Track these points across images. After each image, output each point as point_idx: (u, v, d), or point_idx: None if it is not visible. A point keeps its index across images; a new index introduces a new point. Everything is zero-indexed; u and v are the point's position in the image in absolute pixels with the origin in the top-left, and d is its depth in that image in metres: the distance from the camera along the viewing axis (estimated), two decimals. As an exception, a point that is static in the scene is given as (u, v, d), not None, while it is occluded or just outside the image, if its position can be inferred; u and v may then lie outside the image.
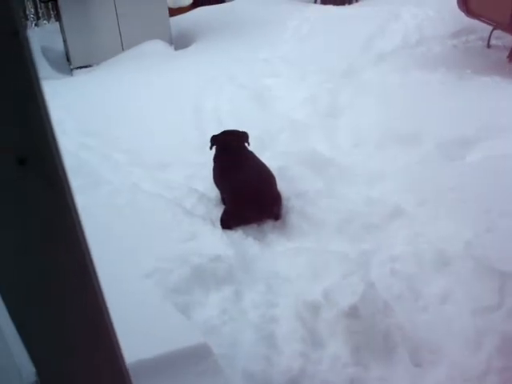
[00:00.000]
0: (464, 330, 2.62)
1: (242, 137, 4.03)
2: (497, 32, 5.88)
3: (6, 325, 0.77)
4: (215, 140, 4.02)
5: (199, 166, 4.23)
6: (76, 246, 0.75)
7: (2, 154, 0.66)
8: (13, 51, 0.62)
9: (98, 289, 0.79)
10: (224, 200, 3.82)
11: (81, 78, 6.99)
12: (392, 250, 3.21)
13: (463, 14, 5.81)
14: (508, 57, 5.63)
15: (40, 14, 9.87)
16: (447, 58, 5.92)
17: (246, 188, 3.65)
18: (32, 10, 9.83)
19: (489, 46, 6.00)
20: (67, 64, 7.60)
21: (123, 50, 7.57)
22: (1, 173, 0.67)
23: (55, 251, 0.74)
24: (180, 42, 7.93)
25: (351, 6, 8.74)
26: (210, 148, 4.00)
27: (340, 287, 2.78)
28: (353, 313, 2.63)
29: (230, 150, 3.92)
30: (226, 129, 4.24)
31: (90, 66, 7.41)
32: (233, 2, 9.49)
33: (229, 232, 3.52)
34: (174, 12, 8.82)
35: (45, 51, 7.92)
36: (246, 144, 4.01)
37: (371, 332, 2.61)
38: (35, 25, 9.83)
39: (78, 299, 0.79)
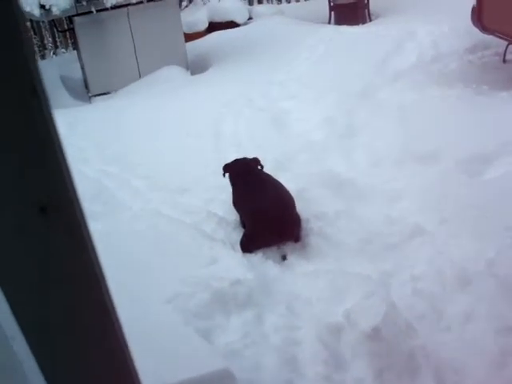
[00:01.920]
0: (488, 349, 2.59)
1: (254, 162, 4.05)
2: (512, 47, 5.87)
3: (29, 364, 0.79)
4: (228, 167, 4.04)
5: (218, 190, 4.24)
6: (97, 292, 0.76)
7: (23, 203, 0.68)
8: (31, 108, 0.64)
9: (120, 333, 0.80)
10: (243, 223, 3.83)
11: (99, 105, 7.07)
12: (413, 269, 3.19)
13: (478, 29, 5.80)
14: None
15: (58, 43, 10.02)
16: (463, 74, 5.90)
17: (265, 211, 3.65)
18: (50, 39, 9.98)
19: (504, 60, 5.98)
20: (86, 92, 7.69)
21: (140, 76, 7.65)
22: (23, 221, 0.69)
23: (76, 299, 0.76)
24: (196, 66, 8.00)
25: (365, 25, 8.77)
26: (224, 175, 4.02)
27: (361, 308, 2.77)
28: (375, 334, 2.61)
29: (247, 173, 3.94)
30: (244, 152, 4.27)
31: (108, 93, 7.49)
32: (247, 26, 9.56)
33: (249, 255, 3.52)
34: (190, 37, 8.90)
35: (63, 79, 8.03)
36: (259, 167, 4.02)
37: (394, 353, 2.58)
38: (53, 53, 9.98)
39: (98, 343, 0.80)
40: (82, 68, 7.63)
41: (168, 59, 7.64)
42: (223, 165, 4.08)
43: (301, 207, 3.81)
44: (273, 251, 3.62)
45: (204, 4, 9.92)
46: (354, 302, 2.84)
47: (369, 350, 2.59)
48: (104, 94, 7.49)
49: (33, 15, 7.03)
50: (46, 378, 0.76)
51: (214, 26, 9.68)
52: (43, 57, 9.80)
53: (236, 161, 4.11)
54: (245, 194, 3.86)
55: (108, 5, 6.99)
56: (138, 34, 7.52)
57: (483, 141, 4.29)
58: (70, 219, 0.70)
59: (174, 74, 7.54)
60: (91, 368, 0.81)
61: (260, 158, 4.10)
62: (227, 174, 4.05)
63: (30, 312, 0.73)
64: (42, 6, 6.82)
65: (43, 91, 0.63)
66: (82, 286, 0.75)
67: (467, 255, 3.12)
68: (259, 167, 4.03)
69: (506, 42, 5.77)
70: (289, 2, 11.17)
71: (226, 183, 4.05)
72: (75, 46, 8.19)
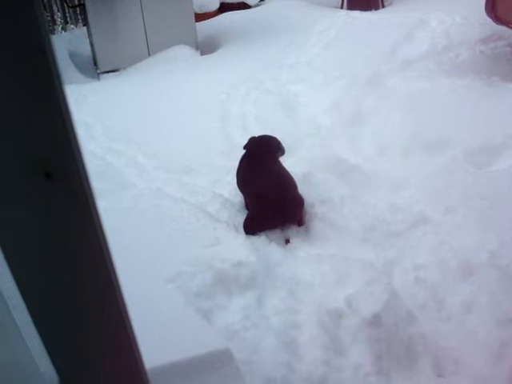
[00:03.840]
0: (487, 340, 2.59)
1: (272, 144, 4.02)
2: (525, 39, 5.82)
3: (30, 333, 0.79)
4: (250, 142, 4.01)
5: (224, 171, 4.24)
6: (100, 260, 0.76)
7: (30, 168, 0.67)
8: (40, 68, 0.63)
9: (122, 302, 0.80)
10: (247, 205, 3.83)
11: (108, 82, 7.05)
12: (416, 258, 3.18)
13: (491, 20, 5.75)
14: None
15: (68, 19, 9.98)
16: (475, 64, 5.86)
17: (267, 193, 3.64)
18: (60, 15, 9.94)
19: (517, 52, 5.94)
20: (94, 68, 7.67)
21: (149, 55, 7.63)
22: (29, 185, 0.68)
23: (79, 265, 0.75)
24: (206, 47, 7.96)
25: (377, 11, 8.70)
26: (244, 147, 3.99)
27: (363, 295, 2.77)
28: (375, 321, 2.61)
29: (256, 155, 3.92)
30: (251, 134, 4.25)
31: (116, 70, 7.47)
32: (258, 8, 9.51)
33: (252, 237, 3.52)
34: (200, 17, 8.86)
35: (72, 56, 8.01)
36: (278, 151, 3.99)
37: (394, 341, 2.59)
38: (62, 29, 9.93)
39: (101, 312, 0.80)
40: (92, 44, 7.61)
41: (178, 38, 7.61)
42: (250, 137, 4.05)
43: (306, 192, 3.80)
44: (276, 234, 3.62)
45: (216, -16, 9.86)
46: (355, 288, 2.84)
47: (369, 336, 2.60)
48: (112, 71, 7.47)
49: (44, -10, 7.00)
50: (47, 347, 0.76)
51: (225, 7, 9.64)
52: (52, 32, 9.75)
53: (261, 137, 4.09)
54: (248, 176, 3.85)
55: (119, -18, 6.96)
56: (149, 12, 7.48)
57: (492, 132, 4.26)
58: (75, 186, 0.70)
59: (183, 53, 7.52)
60: (92, 336, 0.81)
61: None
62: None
63: (32, 278, 0.73)
64: (54, -19, 6.79)
65: (51, 52, 0.63)
66: (85, 253, 0.75)
67: (470, 246, 3.11)
68: (278, 152, 4.00)
69: (518, 34, 5.73)
70: (301, -14, 11.08)
71: (232, 165, 4.05)
72: (85, 23, 8.15)
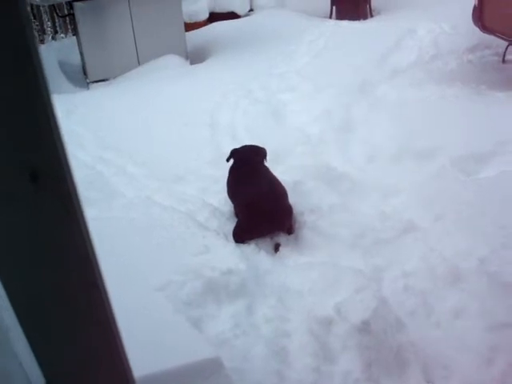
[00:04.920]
0: (477, 346, 2.60)
1: (260, 153, 4.03)
2: (512, 47, 5.87)
3: (16, 335, 0.78)
4: (234, 153, 4.02)
5: (213, 180, 4.24)
6: (86, 264, 0.75)
7: (15, 170, 0.67)
8: (24, 68, 0.63)
9: (108, 306, 0.80)
10: (237, 214, 3.83)
11: (97, 91, 7.04)
12: (405, 265, 3.19)
13: (478, 29, 5.80)
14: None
15: (57, 28, 9.95)
16: (463, 73, 5.91)
17: (257, 201, 3.65)
18: (50, 24, 9.91)
19: (504, 61, 5.98)
20: (84, 78, 7.66)
21: (139, 64, 7.62)
22: (15, 187, 0.68)
23: (65, 268, 0.75)
24: (196, 56, 7.97)
25: (366, 21, 8.75)
26: (227, 160, 4.00)
27: (352, 302, 2.77)
28: (365, 328, 2.61)
29: (245, 163, 3.93)
30: (240, 143, 4.26)
31: (106, 79, 7.46)
32: (248, 18, 9.54)
33: (241, 246, 3.52)
34: (190, 27, 8.87)
35: (62, 65, 7.99)
36: (264, 160, 4.01)
37: (383, 348, 2.59)
38: (52, 38, 9.90)
39: (88, 316, 0.79)
40: (81, 54, 7.59)
41: (168, 48, 7.61)
42: (232, 149, 4.06)
43: (295, 200, 3.81)
44: (266, 242, 3.62)
45: (205, -6, 9.87)
46: (345, 295, 2.84)
47: (358, 343, 2.60)
48: (102, 80, 7.46)
49: (33, 0, 6.99)
50: (33, 349, 0.76)
51: (214, 17, 9.66)
52: (42, 42, 9.72)
53: (244, 147, 4.10)
54: (238, 184, 3.86)
55: (109, -9, 6.96)
56: (139, 22, 7.48)
57: (480, 140, 4.29)
58: (61, 190, 0.70)
59: (173, 62, 7.52)
60: (79, 342, 0.81)
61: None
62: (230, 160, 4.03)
63: (17, 282, 0.73)
64: (43, -9, 6.79)
65: (36, 51, 0.63)
66: (71, 257, 0.75)
67: (460, 252, 3.12)
68: (264, 160, 4.01)
69: (506, 43, 5.77)
70: (290, -5, 11.12)
71: (221, 173, 4.05)
72: (75, 32, 8.14)
